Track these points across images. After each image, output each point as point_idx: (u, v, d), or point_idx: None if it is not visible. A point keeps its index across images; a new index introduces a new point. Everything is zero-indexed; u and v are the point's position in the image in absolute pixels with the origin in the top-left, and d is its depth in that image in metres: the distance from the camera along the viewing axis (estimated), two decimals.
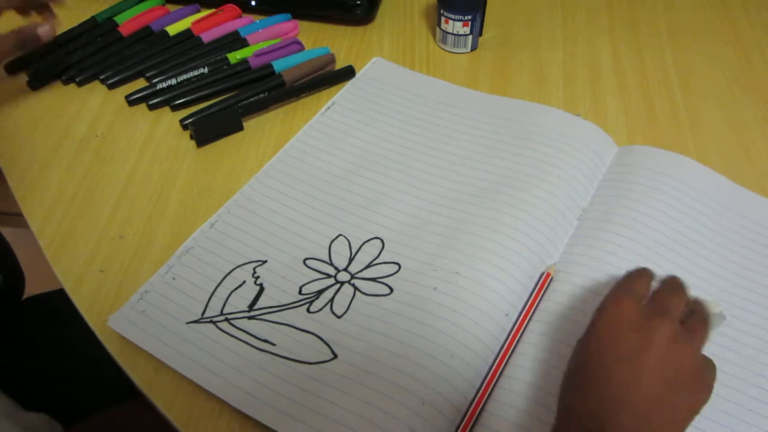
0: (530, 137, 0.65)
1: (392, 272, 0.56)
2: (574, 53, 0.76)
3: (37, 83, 0.72)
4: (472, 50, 0.76)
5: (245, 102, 0.68)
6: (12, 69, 0.73)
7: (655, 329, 0.39)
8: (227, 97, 0.69)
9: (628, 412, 0.37)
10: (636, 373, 0.38)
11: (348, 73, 0.72)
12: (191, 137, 0.65)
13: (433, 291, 0.54)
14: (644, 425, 0.37)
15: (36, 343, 0.75)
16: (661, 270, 0.52)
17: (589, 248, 0.56)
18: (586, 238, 0.58)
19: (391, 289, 0.55)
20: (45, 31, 0.62)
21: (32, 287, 0.86)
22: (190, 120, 0.66)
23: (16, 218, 0.64)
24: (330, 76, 0.71)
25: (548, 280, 0.55)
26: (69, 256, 0.58)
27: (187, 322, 0.53)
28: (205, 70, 0.71)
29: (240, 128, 0.66)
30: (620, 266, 0.54)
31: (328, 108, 0.70)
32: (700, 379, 0.40)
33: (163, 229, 0.60)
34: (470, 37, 0.74)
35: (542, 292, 0.54)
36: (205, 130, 0.65)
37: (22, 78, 0.73)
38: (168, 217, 0.61)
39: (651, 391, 0.37)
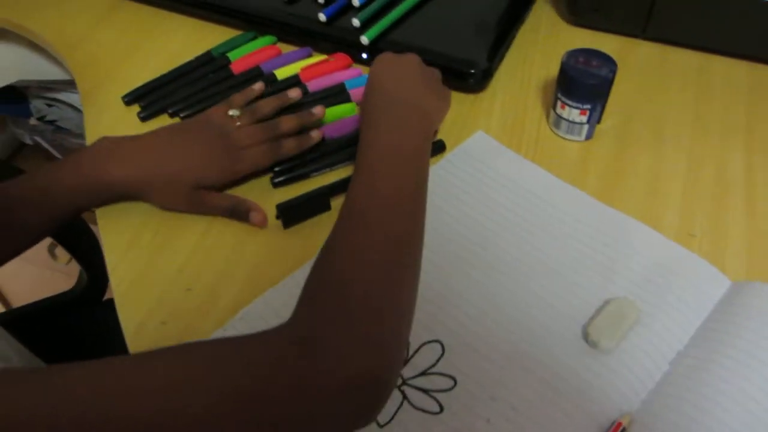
0: (625, 262, 0.58)
1: (447, 387, 0.52)
2: (701, 157, 0.68)
3: (147, 116, 0.73)
4: (586, 139, 0.70)
5: (334, 182, 0.66)
6: (129, 101, 0.75)
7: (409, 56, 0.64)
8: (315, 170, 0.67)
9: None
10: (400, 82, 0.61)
11: (438, 148, 0.68)
12: (277, 217, 0.63)
13: (485, 423, 0.49)
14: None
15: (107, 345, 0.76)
16: None
17: (678, 401, 0.49)
18: (676, 387, 0.51)
19: (441, 408, 0.51)
20: (255, 218, 0.62)
21: None
22: (277, 204, 0.64)
23: None
24: None
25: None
26: (135, 301, 0.58)
27: None
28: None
29: (327, 209, 0.64)
30: (716, 429, 0.47)
31: None
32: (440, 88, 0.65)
33: (231, 289, 0.59)
34: (586, 126, 0.68)
35: None
36: (293, 215, 0.63)
37: (135, 109, 0.74)
38: (238, 277, 0.59)
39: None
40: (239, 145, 0.62)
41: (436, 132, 0.58)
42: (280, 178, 0.66)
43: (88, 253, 0.77)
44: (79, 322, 0.84)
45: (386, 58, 0.64)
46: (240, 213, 0.62)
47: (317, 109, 0.68)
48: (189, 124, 0.64)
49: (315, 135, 0.66)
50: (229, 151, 0.62)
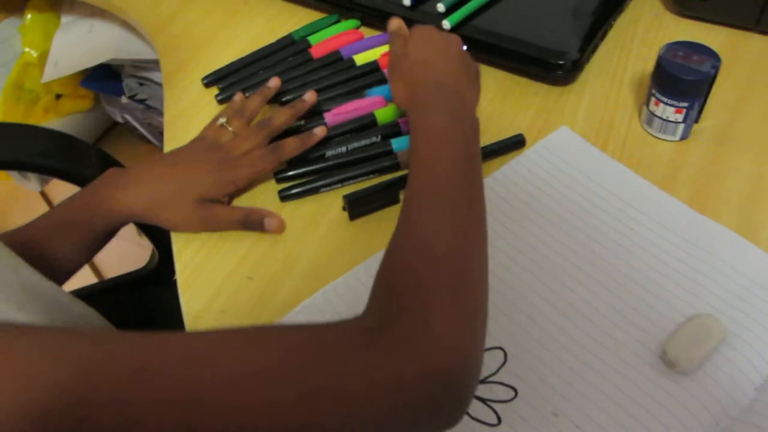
0: (715, 276, 0.53)
1: (506, 398, 0.49)
2: None
3: (224, 98, 0.73)
4: (681, 140, 0.64)
5: (403, 174, 0.63)
6: (208, 83, 0.75)
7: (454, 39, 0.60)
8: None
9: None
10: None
11: (517, 143, 0.64)
12: (343, 208, 0.62)
13: None
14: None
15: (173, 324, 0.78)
16: None
17: None
18: (764, 419, 0.46)
19: (499, 420, 0.48)
20: (271, 225, 0.60)
21: None
22: (344, 195, 0.62)
23: None
24: (497, 147, 0.64)
25: None
26: (197, 287, 0.58)
27: None
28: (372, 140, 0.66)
29: (395, 202, 0.62)
30: None
31: (492, 177, 0.63)
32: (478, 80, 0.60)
33: (291, 281, 0.58)
34: (682, 125, 0.62)
35: None
36: (360, 206, 0.61)
37: (214, 91, 0.75)
38: (300, 268, 0.58)
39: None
40: (234, 154, 0.61)
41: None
42: (288, 193, 0.63)
43: (158, 232, 0.78)
44: (150, 299, 0.85)
45: (429, 31, 0.60)
46: (253, 223, 0.61)
47: (308, 95, 0.66)
48: (187, 144, 0.64)
49: (319, 132, 0.64)
50: (224, 161, 0.61)
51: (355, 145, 0.65)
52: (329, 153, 0.65)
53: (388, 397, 0.35)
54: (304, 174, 0.64)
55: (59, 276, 0.62)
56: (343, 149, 0.65)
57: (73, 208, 0.62)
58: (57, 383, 0.30)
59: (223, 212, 0.61)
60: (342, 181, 0.63)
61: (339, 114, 0.68)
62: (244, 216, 0.61)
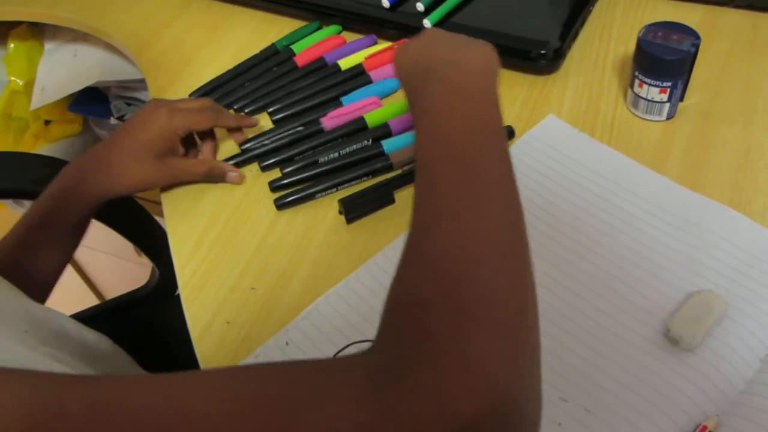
0: (712, 252, 0.54)
1: None
2: None
3: None
4: (667, 119, 0.65)
5: (398, 173, 0.64)
6: (196, 98, 0.76)
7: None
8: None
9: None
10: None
11: (506, 135, 0.65)
12: (339, 212, 0.62)
13: (556, 427, 0.46)
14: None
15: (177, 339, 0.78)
16: None
17: None
18: None
19: None
20: (233, 177, 0.67)
21: None
22: (340, 199, 0.62)
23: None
24: None
25: None
26: (201, 301, 0.58)
27: None
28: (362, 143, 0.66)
29: (391, 202, 0.62)
30: None
31: None
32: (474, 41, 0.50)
33: (294, 287, 0.58)
34: (667, 105, 0.63)
35: None
36: (356, 208, 0.61)
37: None
38: (301, 274, 0.59)
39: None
40: (176, 105, 0.64)
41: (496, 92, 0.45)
42: (284, 201, 0.64)
43: (158, 251, 0.79)
44: (153, 317, 0.86)
45: (404, 44, 0.51)
46: (216, 176, 0.66)
47: (254, 121, 0.70)
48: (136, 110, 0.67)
49: (254, 120, 0.69)
50: (167, 113, 0.63)
51: (347, 149, 0.66)
52: (322, 159, 0.65)
53: None
54: (298, 181, 0.65)
55: (40, 284, 0.64)
56: (336, 154, 0.65)
57: (43, 207, 0.63)
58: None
59: (185, 165, 0.66)
60: (337, 186, 0.64)
61: (335, 117, 0.68)
62: (208, 169, 0.66)
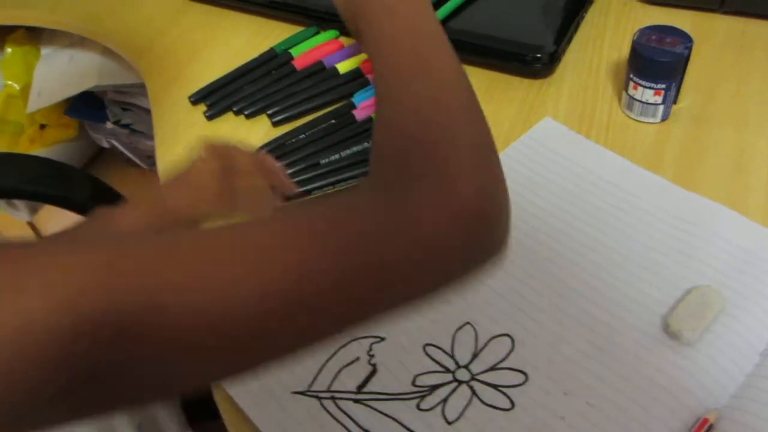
0: (708, 249, 0.55)
1: (518, 383, 0.50)
2: None
3: (212, 114, 0.75)
4: (661, 121, 0.66)
5: None
6: (195, 101, 0.76)
7: None
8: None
9: None
10: None
11: None
12: None
13: (560, 421, 0.47)
14: None
15: None
16: None
17: None
18: None
19: (513, 404, 0.49)
20: None
21: None
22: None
23: None
24: None
25: (705, 429, 0.46)
26: None
27: (293, 392, 0.51)
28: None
29: None
30: None
31: None
32: None
33: None
34: (661, 107, 0.65)
35: None
36: None
37: (202, 108, 0.76)
38: None
39: None
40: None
41: None
42: (288, 171, 0.65)
43: None
44: None
45: None
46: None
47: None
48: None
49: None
50: None
51: (348, 152, 0.66)
52: (323, 161, 0.66)
53: (423, 249, 0.33)
54: (300, 182, 0.65)
55: None
56: (336, 156, 0.66)
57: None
58: (87, 296, 0.28)
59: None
60: (334, 184, 0.65)
61: (365, 108, 0.70)
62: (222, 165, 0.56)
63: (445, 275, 0.35)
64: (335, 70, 0.75)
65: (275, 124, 0.72)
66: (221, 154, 0.55)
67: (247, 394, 0.51)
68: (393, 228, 0.33)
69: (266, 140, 0.70)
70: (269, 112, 0.73)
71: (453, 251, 0.34)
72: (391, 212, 0.34)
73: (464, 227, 0.34)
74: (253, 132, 0.72)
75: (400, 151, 0.38)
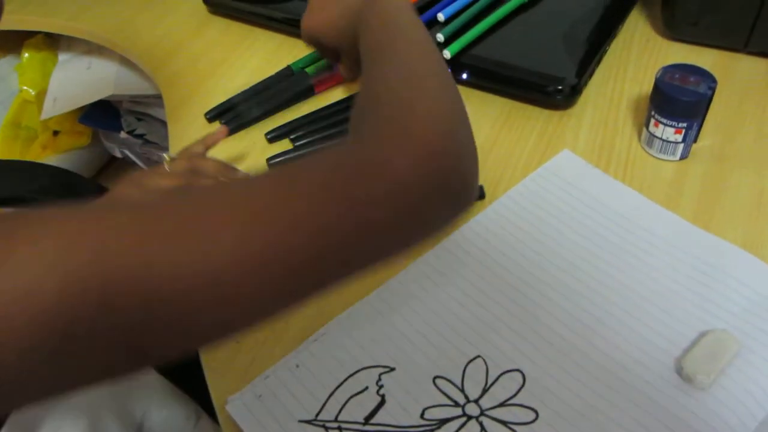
0: (725, 292, 0.54)
1: (528, 420, 0.49)
2: None
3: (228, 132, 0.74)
4: (681, 159, 0.65)
5: None
6: (211, 117, 0.76)
7: None
8: None
9: None
10: None
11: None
12: None
13: None
14: None
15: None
16: None
17: None
18: None
19: None
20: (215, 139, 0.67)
21: None
22: None
23: None
24: None
25: None
26: None
27: (300, 420, 0.50)
28: None
29: None
30: None
31: (498, 202, 0.64)
32: None
33: (305, 309, 0.57)
34: (681, 145, 0.64)
35: None
36: None
37: (217, 125, 0.76)
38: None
39: None
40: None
41: None
42: None
43: None
44: None
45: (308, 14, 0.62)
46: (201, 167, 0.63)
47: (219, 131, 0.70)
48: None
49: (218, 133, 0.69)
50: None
51: None
52: None
53: (393, 189, 0.35)
54: None
55: None
56: None
57: None
58: (73, 267, 0.29)
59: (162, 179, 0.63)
60: None
61: None
62: (189, 167, 0.63)
63: (419, 216, 0.37)
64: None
65: (296, 147, 0.72)
66: (190, 157, 0.65)
67: (253, 421, 0.50)
68: (369, 169, 0.35)
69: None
70: (292, 137, 0.72)
71: (420, 189, 0.36)
72: (364, 155, 0.36)
73: (429, 166, 0.36)
74: (270, 149, 0.72)
75: (374, 103, 0.41)
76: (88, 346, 0.29)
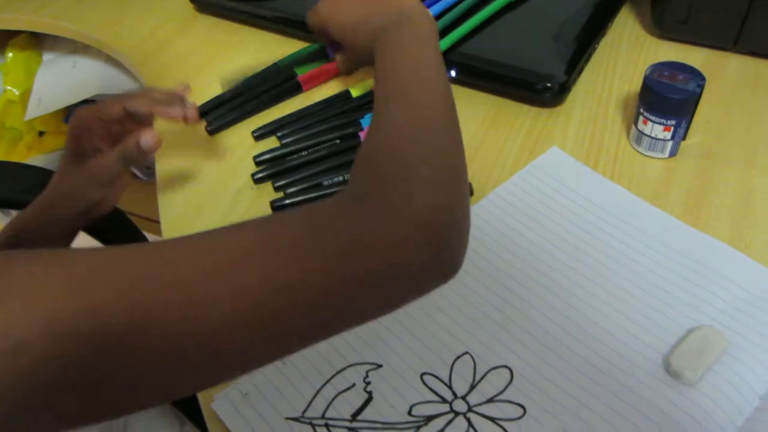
0: (712, 289, 0.54)
1: (515, 416, 0.49)
2: None
3: (213, 129, 0.74)
4: (669, 156, 0.65)
5: None
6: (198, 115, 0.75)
7: None
8: None
9: None
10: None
11: None
12: None
13: None
14: None
15: None
16: None
17: None
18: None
19: None
20: (147, 143, 0.57)
21: None
22: None
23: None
24: None
25: None
26: None
27: (287, 418, 0.50)
28: None
29: None
30: None
31: (486, 199, 0.63)
32: None
33: None
34: (670, 142, 0.64)
35: None
36: None
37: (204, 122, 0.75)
38: None
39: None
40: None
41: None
42: (290, 190, 0.64)
43: None
44: None
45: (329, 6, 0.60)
46: (130, 152, 0.58)
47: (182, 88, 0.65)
48: None
49: (145, 143, 0.58)
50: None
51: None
52: (326, 182, 0.65)
53: (386, 257, 0.36)
54: (301, 202, 0.64)
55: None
56: (340, 178, 0.65)
57: (53, 191, 0.61)
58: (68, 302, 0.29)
59: (97, 161, 0.59)
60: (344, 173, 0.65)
61: None
62: (120, 152, 0.58)
63: (406, 280, 0.37)
64: (348, 93, 0.74)
65: (284, 146, 0.71)
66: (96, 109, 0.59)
67: (239, 419, 0.50)
68: (361, 229, 0.36)
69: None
70: (279, 134, 0.72)
71: (411, 258, 0.36)
72: (360, 227, 0.36)
73: (423, 238, 0.36)
74: (257, 147, 0.71)
75: (379, 156, 0.41)
76: (82, 392, 0.30)
